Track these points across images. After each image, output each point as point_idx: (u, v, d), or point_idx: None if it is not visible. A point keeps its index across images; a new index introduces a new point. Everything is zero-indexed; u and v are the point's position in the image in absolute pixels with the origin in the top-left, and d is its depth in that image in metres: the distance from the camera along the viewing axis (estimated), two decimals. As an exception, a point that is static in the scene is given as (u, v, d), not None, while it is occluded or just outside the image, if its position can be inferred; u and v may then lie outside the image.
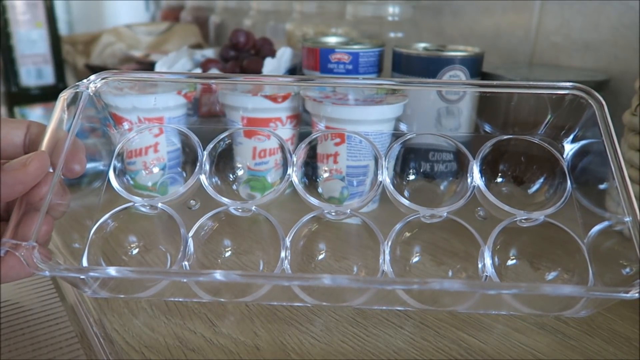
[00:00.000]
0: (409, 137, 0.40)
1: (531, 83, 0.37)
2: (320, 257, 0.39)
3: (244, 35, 0.64)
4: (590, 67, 0.57)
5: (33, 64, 0.90)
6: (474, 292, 0.32)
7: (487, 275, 0.33)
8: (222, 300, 0.34)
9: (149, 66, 0.83)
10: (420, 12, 0.74)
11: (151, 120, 0.47)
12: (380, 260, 0.34)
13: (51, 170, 0.31)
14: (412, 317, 0.34)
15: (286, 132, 0.50)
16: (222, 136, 0.40)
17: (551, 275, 0.35)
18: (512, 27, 0.65)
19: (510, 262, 0.36)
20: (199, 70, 0.60)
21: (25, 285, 0.37)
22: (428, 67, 0.50)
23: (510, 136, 0.39)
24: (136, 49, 1.04)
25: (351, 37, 0.64)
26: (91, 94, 0.36)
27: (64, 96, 0.34)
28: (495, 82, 0.40)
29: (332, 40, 0.58)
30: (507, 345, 0.32)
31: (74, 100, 0.35)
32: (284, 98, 0.48)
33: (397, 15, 0.68)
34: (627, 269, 0.30)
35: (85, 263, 0.34)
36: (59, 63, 0.93)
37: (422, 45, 0.54)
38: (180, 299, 0.35)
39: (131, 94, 0.46)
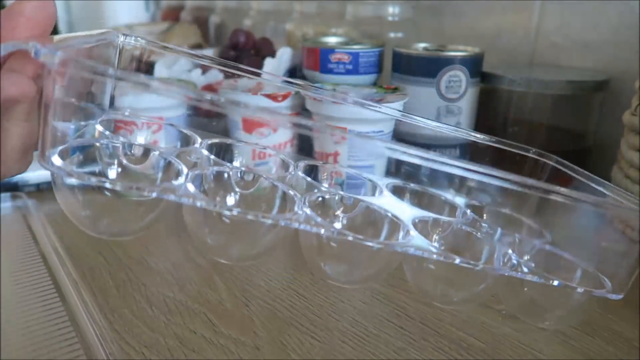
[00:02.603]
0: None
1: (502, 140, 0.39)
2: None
3: (244, 35, 0.64)
4: (590, 67, 0.57)
5: (33, 64, 0.90)
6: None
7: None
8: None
9: (149, 66, 0.83)
10: (420, 12, 0.74)
11: (152, 119, 0.47)
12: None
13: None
14: (412, 317, 0.34)
15: (286, 132, 0.49)
16: (225, 140, 0.40)
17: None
18: (512, 27, 0.65)
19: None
20: (198, 71, 0.60)
21: (25, 285, 0.37)
22: (428, 67, 0.50)
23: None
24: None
25: (351, 37, 0.64)
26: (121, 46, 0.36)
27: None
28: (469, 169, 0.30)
29: (332, 40, 0.58)
30: (507, 345, 0.32)
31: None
32: (284, 97, 0.48)
33: (397, 15, 0.68)
34: None
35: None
36: (59, 63, 0.93)
37: (422, 45, 0.54)
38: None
39: (135, 93, 0.46)
